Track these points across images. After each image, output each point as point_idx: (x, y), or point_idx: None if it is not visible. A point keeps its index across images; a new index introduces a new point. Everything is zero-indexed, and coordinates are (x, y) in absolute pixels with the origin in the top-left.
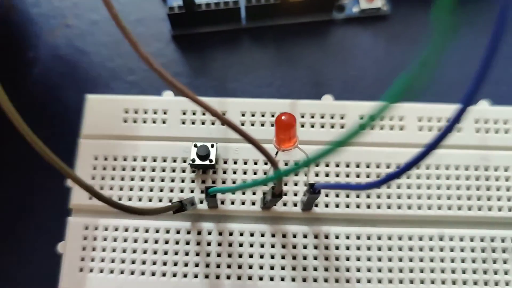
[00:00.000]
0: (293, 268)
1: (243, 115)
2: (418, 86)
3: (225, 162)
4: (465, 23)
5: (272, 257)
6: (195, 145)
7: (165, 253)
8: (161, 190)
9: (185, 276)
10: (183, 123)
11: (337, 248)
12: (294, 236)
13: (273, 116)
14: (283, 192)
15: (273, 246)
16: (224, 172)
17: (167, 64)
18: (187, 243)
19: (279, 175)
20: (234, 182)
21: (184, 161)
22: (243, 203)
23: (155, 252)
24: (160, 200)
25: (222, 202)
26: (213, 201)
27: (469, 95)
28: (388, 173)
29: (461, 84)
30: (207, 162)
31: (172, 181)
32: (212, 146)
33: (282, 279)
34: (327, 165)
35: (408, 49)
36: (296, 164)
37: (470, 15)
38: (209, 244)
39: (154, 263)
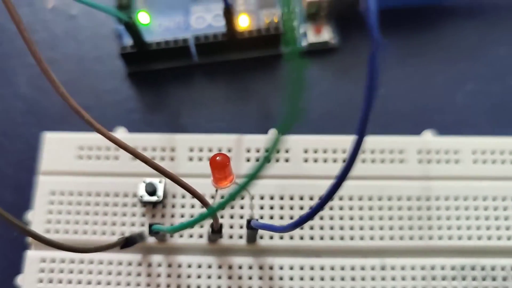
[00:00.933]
0: None
1: (191, 150)
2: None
3: (173, 197)
4: (413, 54)
5: None
6: (144, 182)
7: (118, 284)
8: (114, 224)
9: None
10: (134, 159)
11: (281, 278)
12: (240, 267)
13: (219, 150)
14: (222, 228)
15: (219, 277)
16: (173, 206)
17: (122, 100)
18: (139, 275)
19: (207, 214)
20: (182, 216)
21: (135, 196)
22: (191, 236)
23: (108, 283)
24: (113, 234)
25: (171, 236)
26: (159, 236)
27: (361, 128)
28: (301, 215)
29: (406, 115)
30: (155, 198)
31: (124, 215)
32: (160, 182)
33: None
34: (271, 198)
35: (356, 81)
36: (221, 202)
37: (418, 46)
38: (159, 275)
39: None
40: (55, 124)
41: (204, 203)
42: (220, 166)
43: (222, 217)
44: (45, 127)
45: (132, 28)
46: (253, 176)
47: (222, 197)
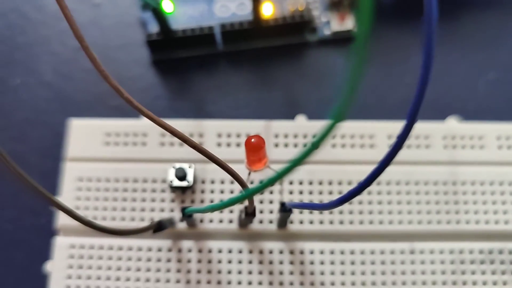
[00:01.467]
0: (270, 283)
1: (219, 136)
2: (350, 106)
3: (203, 182)
4: (436, 43)
5: (250, 272)
6: (174, 167)
7: (148, 270)
8: (143, 210)
9: None
10: (162, 145)
11: (311, 263)
12: (271, 252)
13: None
14: (255, 211)
15: (250, 262)
16: (202, 192)
17: (147, 87)
18: (169, 261)
19: (245, 195)
20: (212, 201)
21: (164, 182)
22: (221, 221)
23: (138, 269)
24: (142, 220)
25: (201, 221)
26: (191, 220)
27: (412, 113)
28: (345, 192)
29: (430, 102)
30: (185, 183)
31: (153, 201)
32: (190, 167)
33: None
34: (300, 183)
35: (380, 69)
36: (261, 183)
37: (440, 36)
38: (189, 261)
39: (138, 280)
40: (80, 112)
41: (242, 185)
42: (255, 148)
43: None
44: (70, 114)
45: (160, 15)
46: (299, 161)
47: (251, 182)
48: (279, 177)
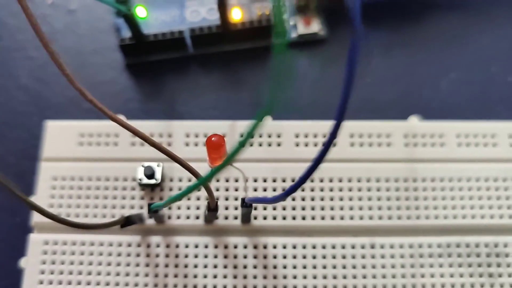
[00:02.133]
0: (235, 276)
1: (187, 136)
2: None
3: (171, 180)
4: (399, 44)
5: (215, 266)
6: (143, 166)
7: (118, 264)
8: (114, 208)
9: (136, 285)
10: (133, 145)
11: (274, 257)
12: (235, 247)
13: None
14: (218, 206)
15: (216, 257)
16: (170, 189)
17: (121, 90)
18: (138, 255)
19: (198, 183)
20: None
21: (134, 180)
22: (188, 218)
23: (109, 264)
24: (113, 217)
25: (169, 217)
26: (158, 216)
27: (339, 113)
28: (287, 187)
29: (393, 102)
30: (153, 181)
31: (123, 199)
32: (158, 166)
33: (225, 287)
34: (264, 181)
35: (343, 70)
36: (209, 173)
37: (403, 37)
38: (157, 255)
39: (108, 274)
40: (56, 114)
41: (195, 174)
42: (215, 146)
43: (217, 199)
44: (46, 116)
45: (131, 20)
46: (234, 154)
47: (217, 180)
48: (221, 167)
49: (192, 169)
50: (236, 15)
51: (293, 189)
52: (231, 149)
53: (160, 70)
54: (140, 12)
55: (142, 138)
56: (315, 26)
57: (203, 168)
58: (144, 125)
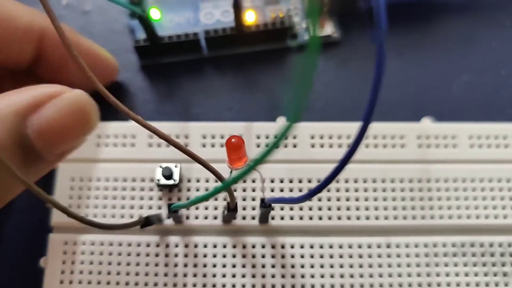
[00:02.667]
0: (253, 276)
1: (204, 137)
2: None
3: (189, 181)
4: (410, 47)
5: (234, 266)
6: (161, 166)
7: (137, 264)
8: (132, 208)
9: (155, 285)
10: (150, 146)
11: (292, 256)
12: (253, 246)
13: None
14: (237, 207)
15: (234, 256)
16: (188, 190)
17: (136, 91)
18: (157, 255)
19: (222, 186)
20: None
21: (152, 181)
22: (206, 218)
23: (128, 264)
24: (131, 217)
25: (187, 217)
26: (177, 216)
27: (367, 115)
28: (311, 188)
29: (405, 104)
30: (171, 182)
31: (141, 199)
32: (176, 166)
33: (243, 286)
34: (281, 181)
35: (357, 72)
36: (235, 176)
37: (414, 40)
38: (176, 255)
39: (128, 274)
40: None
41: (219, 178)
42: (235, 147)
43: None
44: None
45: (146, 22)
46: (263, 157)
47: None
48: (248, 171)
49: (216, 172)
50: (250, 17)
51: (318, 189)
52: (260, 152)
53: (175, 72)
54: (154, 14)
55: (165, 139)
56: (329, 29)
57: (220, 169)
58: (161, 126)
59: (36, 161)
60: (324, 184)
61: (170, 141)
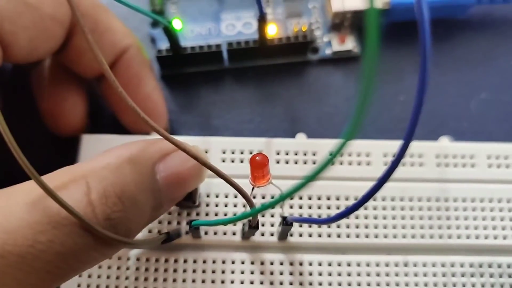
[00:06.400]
0: None
1: (223, 152)
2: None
3: (208, 196)
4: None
5: (252, 282)
6: None
7: (155, 280)
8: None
9: None
10: None
11: (310, 274)
12: (271, 263)
13: (251, 153)
14: (259, 224)
15: (252, 273)
16: (207, 205)
17: None
18: (175, 271)
19: (254, 212)
20: (216, 214)
21: None
22: (224, 234)
23: (146, 279)
24: (149, 232)
25: (206, 233)
26: (197, 232)
27: (409, 133)
28: (344, 208)
29: (427, 121)
30: (190, 203)
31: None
32: None
33: None
34: (300, 198)
35: (377, 87)
36: (269, 202)
37: (433, 56)
38: (194, 271)
39: None
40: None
41: (250, 203)
42: (260, 165)
43: None
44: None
45: (170, 33)
46: (311, 178)
47: (254, 197)
48: (290, 193)
49: (247, 196)
50: (272, 30)
51: (350, 210)
52: (313, 170)
53: (195, 82)
54: (176, 24)
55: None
56: (349, 44)
57: (242, 185)
58: (182, 140)
59: (159, 206)
60: (357, 206)
61: (199, 160)
